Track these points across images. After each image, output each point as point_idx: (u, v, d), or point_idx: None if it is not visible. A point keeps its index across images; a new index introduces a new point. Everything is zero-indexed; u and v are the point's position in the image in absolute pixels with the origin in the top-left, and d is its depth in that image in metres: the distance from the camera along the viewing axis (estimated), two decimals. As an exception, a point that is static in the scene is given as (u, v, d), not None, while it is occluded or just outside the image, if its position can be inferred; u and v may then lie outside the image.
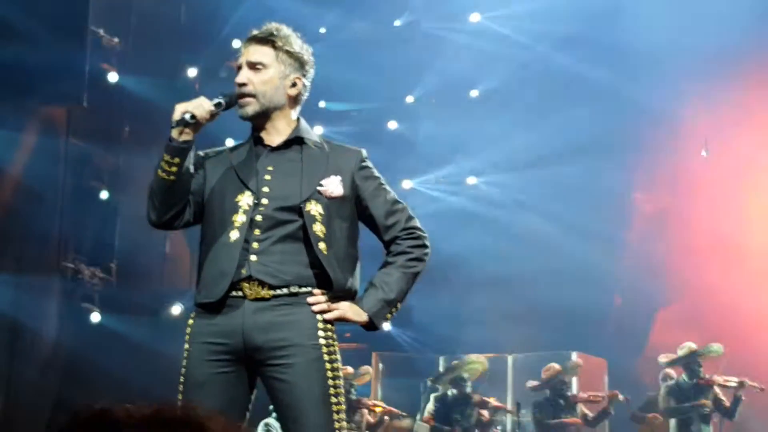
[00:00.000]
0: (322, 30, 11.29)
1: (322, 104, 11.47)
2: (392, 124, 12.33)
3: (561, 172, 11.24)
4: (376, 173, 3.50)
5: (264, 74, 3.39)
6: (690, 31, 10.40)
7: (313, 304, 3.31)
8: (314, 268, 3.32)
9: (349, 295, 3.39)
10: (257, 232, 3.32)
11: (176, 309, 10.36)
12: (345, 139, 3.87)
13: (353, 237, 3.44)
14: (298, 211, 3.34)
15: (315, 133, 3.57)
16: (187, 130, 3.28)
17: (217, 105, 3.33)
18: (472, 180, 12.25)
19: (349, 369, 9.10)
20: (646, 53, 10.77)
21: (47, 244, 9.52)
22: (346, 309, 3.35)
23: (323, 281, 3.33)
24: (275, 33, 3.43)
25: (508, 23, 11.52)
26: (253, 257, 3.30)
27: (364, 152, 3.52)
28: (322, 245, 3.31)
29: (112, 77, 10.05)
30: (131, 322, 9.83)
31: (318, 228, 3.33)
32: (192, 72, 10.89)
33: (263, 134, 3.45)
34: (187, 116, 3.25)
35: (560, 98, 11.32)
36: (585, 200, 11.09)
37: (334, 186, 3.38)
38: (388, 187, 3.50)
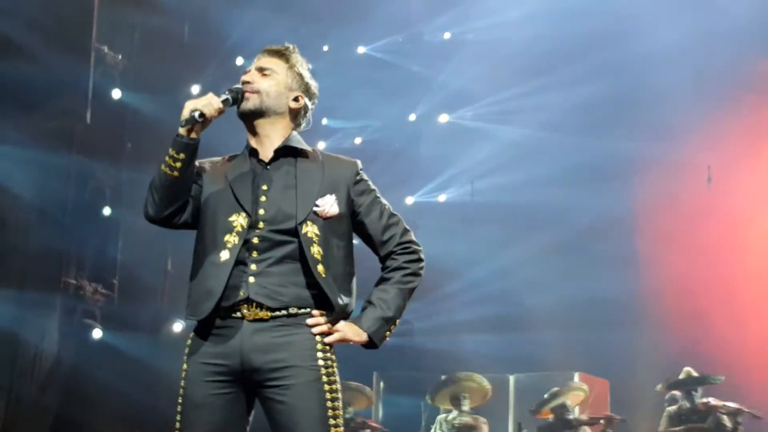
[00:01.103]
0: (325, 48, 11.31)
1: (324, 121, 11.50)
2: (395, 141, 12.35)
3: (563, 192, 11.23)
4: (371, 185, 3.51)
5: (271, 79, 3.46)
6: (696, 55, 10.39)
7: (313, 326, 3.31)
8: (312, 288, 3.32)
9: (347, 315, 3.40)
10: (255, 254, 3.32)
11: (177, 326, 10.34)
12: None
13: (349, 254, 3.44)
14: (295, 233, 3.34)
15: (306, 144, 3.56)
16: (195, 127, 3.30)
17: (225, 102, 3.37)
18: (473, 197, 12.24)
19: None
20: (651, 76, 10.76)
21: (49, 260, 9.50)
22: (345, 330, 3.35)
23: (322, 301, 3.33)
24: (290, 50, 3.52)
25: (508, 42, 11.53)
26: (251, 279, 3.29)
27: (359, 164, 3.53)
28: (320, 267, 3.31)
29: (116, 94, 10.07)
30: (132, 339, 9.80)
31: (315, 250, 3.32)
32: (195, 89, 10.90)
33: (257, 145, 3.47)
34: (196, 114, 3.27)
35: (564, 118, 11.31)
36: (587, 221, 11.06)
37: (329, 206, 3.39)
38: (383, 200, 3.51)
